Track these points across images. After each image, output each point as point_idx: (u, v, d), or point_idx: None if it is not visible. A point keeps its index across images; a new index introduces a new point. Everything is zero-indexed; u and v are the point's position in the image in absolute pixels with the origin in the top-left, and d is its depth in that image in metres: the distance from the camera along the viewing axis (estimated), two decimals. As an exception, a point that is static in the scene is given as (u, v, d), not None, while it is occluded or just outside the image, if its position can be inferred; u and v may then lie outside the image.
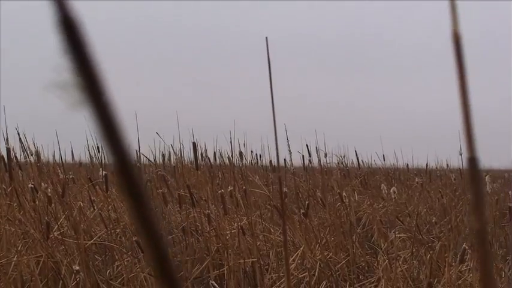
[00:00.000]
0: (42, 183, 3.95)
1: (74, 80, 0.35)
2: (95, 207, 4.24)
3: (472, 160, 0.48)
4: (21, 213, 3.92)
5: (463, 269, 3.62)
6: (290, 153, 4.13)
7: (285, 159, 4.86)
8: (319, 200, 4.61)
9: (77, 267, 3.37)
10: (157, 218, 0.39)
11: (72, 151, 5.11)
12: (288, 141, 4.09)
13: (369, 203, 4.84)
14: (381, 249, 4.07)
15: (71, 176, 4.62)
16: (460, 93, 0.47)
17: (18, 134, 4.17)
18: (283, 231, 1.31)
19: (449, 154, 6.50)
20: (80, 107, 0.35)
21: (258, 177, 5.14)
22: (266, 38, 1.17)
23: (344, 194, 4.39)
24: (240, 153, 4.86)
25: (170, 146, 4.46)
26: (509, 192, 5.12)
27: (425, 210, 5.04)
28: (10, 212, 3.88)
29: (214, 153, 5.26)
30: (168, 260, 0.38)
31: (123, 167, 0.37)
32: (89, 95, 0.35)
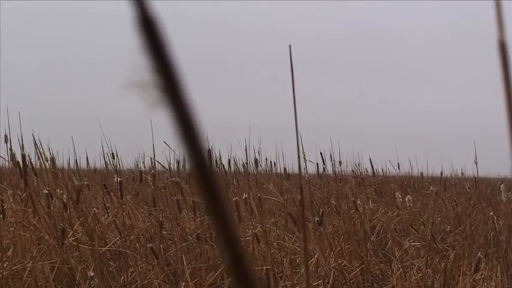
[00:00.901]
0: (58, 190, 3.96)
1: (153, 79, 0.36)
2: (109, 214, 4.25)
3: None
4: (36, 219, 3.93)
5: (477, 277, 3.61)
6: (305, 160, 4.13)
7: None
8: (333, 207, 4.60)
9: (92, 274, 3.38)
10: (234, 220, 0.39)
11: (87, 157, 5.13)
12: (303, 149, 4.09)
13: (383, 211, 4.84)
14: (395, 257, 4.07)
15: (85, 183, 4.63)
16: (506, 102, 0.47)
17: (34, 139, 4.18)
18: (303, 239, 1.31)
19: (464, 162, 6.48)
20: (158, 107, 0.36)
21: (272, 184, 5.15)
22: (290, 46, 1.16)
23: (358, 202, 4.39)
24: (256, 160, 4.85)
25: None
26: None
27: (439, 218, 5.03)
28: (25, 218, 3.90)
29: (229, 160, 5.26)
30: (245, 263, 0.38)
31: (201, 168, 0.37)
32: (168, 95, 0.36)
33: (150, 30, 0.35)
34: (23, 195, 4.02)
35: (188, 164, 0.37)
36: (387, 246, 4.60)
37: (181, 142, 0.36)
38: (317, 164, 4.97)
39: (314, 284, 3.72)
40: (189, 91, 0.35)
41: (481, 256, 3.50)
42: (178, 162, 5.11)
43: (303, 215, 1.28)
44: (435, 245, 4.21)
